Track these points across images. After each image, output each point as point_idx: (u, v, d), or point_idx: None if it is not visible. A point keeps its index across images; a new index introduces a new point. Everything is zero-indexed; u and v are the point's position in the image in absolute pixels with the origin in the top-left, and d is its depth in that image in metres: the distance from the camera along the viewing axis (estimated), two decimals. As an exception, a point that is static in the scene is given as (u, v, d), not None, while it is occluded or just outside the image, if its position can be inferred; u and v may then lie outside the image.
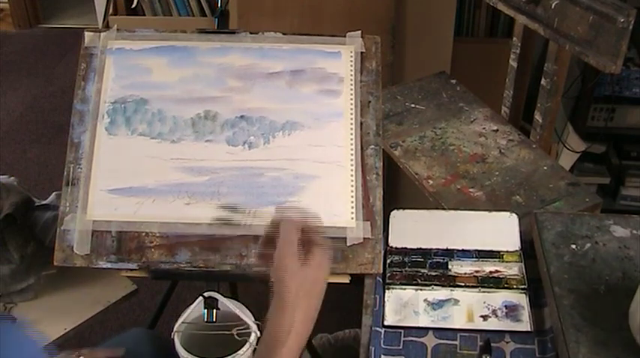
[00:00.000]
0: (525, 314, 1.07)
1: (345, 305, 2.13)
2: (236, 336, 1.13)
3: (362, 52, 1.24)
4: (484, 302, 1.09)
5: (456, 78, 1.87)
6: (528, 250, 1.17)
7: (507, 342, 1.04)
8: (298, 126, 1.18)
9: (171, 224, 1.11)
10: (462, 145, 1.60)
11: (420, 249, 1.17)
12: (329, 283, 0.98)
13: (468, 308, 1.09)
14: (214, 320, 1.17)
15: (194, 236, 1.11)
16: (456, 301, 1.10)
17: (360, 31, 1.25)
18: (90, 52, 1.22)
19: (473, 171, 1.52)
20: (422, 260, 1.16)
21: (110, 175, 1.15)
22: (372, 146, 1.17)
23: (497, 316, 1.07)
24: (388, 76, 2.06)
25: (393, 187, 2.06)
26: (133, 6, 2.45)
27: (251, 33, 1.26)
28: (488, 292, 1.11)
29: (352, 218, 1.12)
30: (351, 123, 1.19)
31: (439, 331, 1.06)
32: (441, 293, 1.11)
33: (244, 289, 1.71)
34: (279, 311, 0.83)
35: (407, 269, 1.14)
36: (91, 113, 1.18)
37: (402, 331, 1.06)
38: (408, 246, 1.18)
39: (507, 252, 1.17)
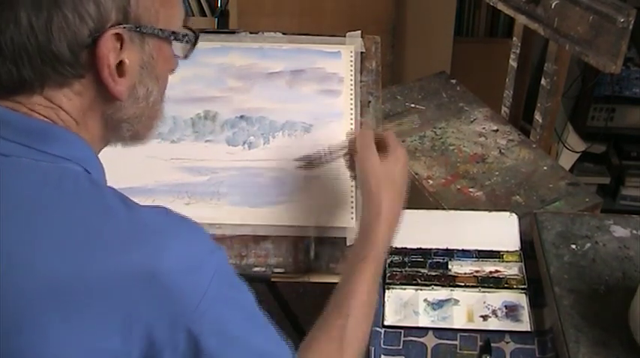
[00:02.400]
0: (525, 314, 1.07)
1: (345, 305, 2.13)
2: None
3: (362, 52, 1.24)
4: (484, 302, 1.09)
5: (456, 78, 1.88)
6: (528, 250, 1.17)
7: (507, 342, 1.04)
8: (298, 126, 1.18)
9: (171, 224, 1.11)
10: (462, 145, 1.60)
11: (420, 249, 1.17)
12: (329, 283, 0.99)
13: (467, 308, 1.09)
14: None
15: (194, 236, 1.11)
16: (456, 301, 1.10)
17: (360, 31, 1.26)
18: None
19: (473, 171, 1.53)
20: (422, 260, 1.16)
21: (110, 175, 1.14)
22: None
23: (497, 316, 1.07)
24: (388, 76, 2.07)
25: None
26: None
27: (251, 33, 1.26)
28: (488, 292, 1.11)
29: (352, 218, 1.12)
30: (351, 123, 1.19)
31: (439, 331, 1.05)
32: (441, 293, 1.11)
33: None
34: (366, 200, 0.95)
35: (407, 269, 1.14)
36: (91, 113, 1.18)
37: (402, 331, 1.06)
38: (408, 246, 1.18)
39: (507, 252, 1.16)
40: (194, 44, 0.76)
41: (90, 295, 0.59)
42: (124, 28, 0.67)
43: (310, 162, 1.13)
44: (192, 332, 0.63)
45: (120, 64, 0.68)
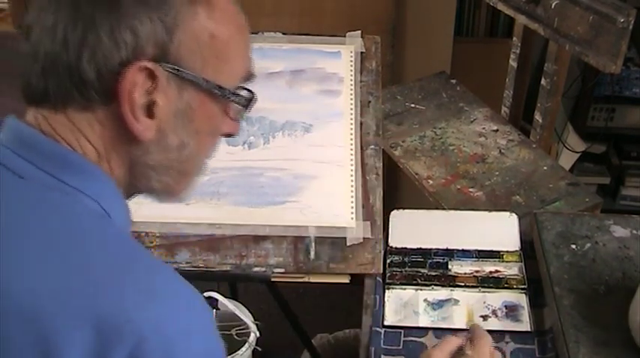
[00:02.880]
0: (525, 314, 1.07)
1: (345, 305, 2.13)
2: (235, 336, 1.14)
3: (362, 52, 1.24)
4: (484, 302, 1.09)
5: (456, 78, 1.88)
6: (528, 250, 1.17)
7: (507, 342, 1.04)
8: (298, 126, 1.18)
9: (171, 224, 1.11)
10: (462, 145, 1.60)
11: (420, 249, 1.17)
12: (329, 283, 0.98)
13: (468, 308, 1.09)
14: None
15: (194, 236, 1.11)
16: (456, 301, 1.10)
17: (360, 31, 1.26)
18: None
19: (473, 171, 1.53)
20: (422, 260, 1.16)
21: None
22: (372, 146, 1.17)
23: (497, 316, 1.07)
24: (388, 76, 2.06)
25: (393, 187, 2.06)
26: (133, 6, 2.45)
27: (251, 33, 1.26)
28: (489, 292, 1.11)
29: (352, 218, 1.12)
30: (351, 123, 1.19)
31: (439, 331, 1.05)
32: (441, 293, 1.11)
33: (244, 289, 1.71)
34: None
35: (407, 269, 1.14)
36: (91, 113, 1.18)
37: (402, 331, 1.06)
38: (408, 246, 1.18)
39: (507, 252, 1.16)
40: (245, 107, 0.69)
41: (50, 325, 0.56)
42: (159, 65, 0.62)
43: None
44: None
45: (152, 105, 0.63)
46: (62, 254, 0.60)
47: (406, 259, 1.16)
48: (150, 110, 0.63)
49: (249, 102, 0.69)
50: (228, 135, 0.73)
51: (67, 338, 0.56)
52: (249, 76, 0.71)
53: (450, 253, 1.17)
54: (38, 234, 0.61)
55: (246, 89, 0.69)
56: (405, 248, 1.17)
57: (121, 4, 0.61)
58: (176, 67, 0.63)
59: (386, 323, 1.07)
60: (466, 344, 0.86)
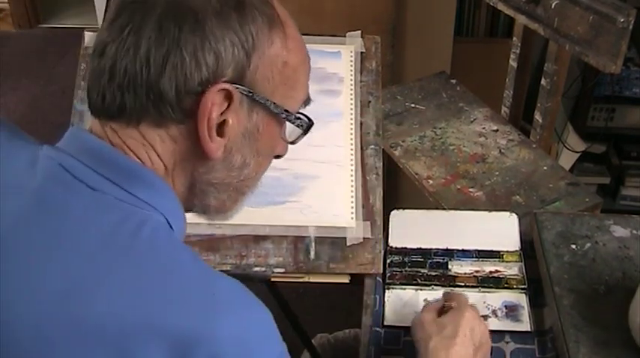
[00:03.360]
0: (525, 314, 1.07)
1: (345, 305, 2.13)
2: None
3: (362, 52, 1.24)
4: (484, 302, 1.09)
5: (456, 78, 1.88)
6: (528, 250, 1.17)
7: (507, 342, 1.04)
8: (298, 126, 1.18)
9: (171, 224, 1.11)
10: (462, 145, 1.61)
11: (420, 249, 1.17)
12: (329, 283, 0.98)
13: (468, 308, 1.09)
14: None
15: (194, 236, 1.11)
16: (456, 301, 1.10)
17: (360, 31, 1.26)
18: (90, 52, 1.22)
19: (473, 171, 1.53)
20: (422, 260, 1.16)
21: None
22: (372, 146, 1.17)
23: (497, 316, 1.07)
24: (388, 76, 2.06)
25: (393, 187, 2.07)
26: (133, 6, 2.45)
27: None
28: (488, 292, 1.11)
29: (352, 218, 1.12)
30: (351, 123, 1.19)
31: (439, 331, 1.05)
32: (441, 293, 1.11)
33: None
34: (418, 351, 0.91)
35: (407, 269, 1.14)
36: (91, 113, 1.18)
37: (402, 331, 1.06)
38: (408, 246, 1.18)
39: (507, 252, 1.17)
40: (306, 132, 0.73)
41: (129, 343, 0.57)
42: (237, 88, 0.65)
43: None
44: None
45: (222, 124, 0.66)
46: (139, 272, 0.60)
47: (406, 259, 1.16)
48: (221, 129, 0.66)
49: (309, 126, 0.72)
50: (278, 157, 0.77)
51: (147, 354, 0.57)
52: (308, 101, 0.74)
53: (450, 253, 1.17)
54: (114, 249, 0.61)
55: (305, 115, 0.72)
56: (405, 248, 1.17)
57: (206, 26, 0.63)
58: (250, 91, 0.66)
59: (386, 323, 1.07)
60: (448, 301, 0.96)
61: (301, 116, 0.72)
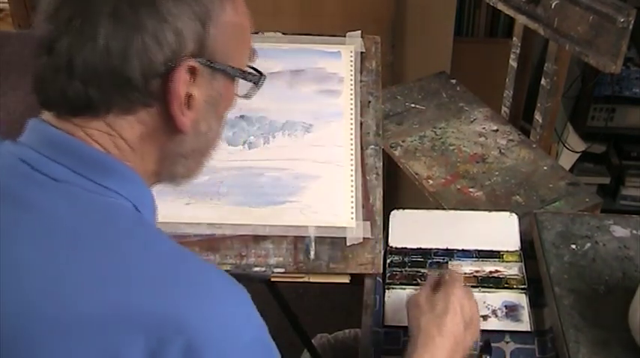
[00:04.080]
0: (525, 314, 1.07)
1: (345, 305, 2.13)
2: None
3: (362, 52, 1.24)
4: (484, 302, 1.09)
5: (456, 78, 1.88)
6: (528, 250, 1.17)
7: (507, 342, 1.04)
8: (298, 126, 1.18)
9: (171, 224, 1.11)
10: (462, 145, 1.61)
11: (420, 249, 1.17)
12: (329, 283, 0.98)
13: (467, 308, 1.09)
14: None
15: (194, 236, 1.11)
16: (456, 301, 1.10)
17: (360, 31, 1.26)
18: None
19: (473, 171, 1.53)
20: (422, 260, 1.16)
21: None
22: (372, 146, 1.17)
23: (497, 316, 1.07)
24: (388, 76, 2.06)
25: (393, 187, 2.07)
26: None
27: (251, 33, 1.26)
28: (488, 292, 1.11)
29: (352, 218, 1.12)
30: (351, 123, 1.19)
31: (439, 331, 1.05)
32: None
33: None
34: (410, 333, 0.93)
35: (407, 269, 1.14)
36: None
37: (402, 331, 1.06)
38: (408, 246, 1.18)
39: (507, 252, 1.17)
40: (257, 84, 0.74)
41: (107, 332, 0.57)
42: (199, 61, 0.65)
43: None
44: None
45: (188, 97, 0.66)
46: (110, 260, 0.60)
47: (406, 259, 1.16)
48: (188, 103, 0.66)
49: (260, 79, 0.74)
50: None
51: (129, 343, 0.57)
52: (253, 54, 0.76)
53: (450, 253, 1.17)
54: (82, 239, 0.61)
55: (255, 69, 0.74)
56: (405, 248, 1.17)
57: (161, 6, 0.63)
58: (211, 61, 0.67)
59: (386, 323, 1.07)
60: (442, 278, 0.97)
61: (253, 71, 0.74)
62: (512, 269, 1.14)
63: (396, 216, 1.21)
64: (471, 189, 1.47)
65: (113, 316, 0.57)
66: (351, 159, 1.16)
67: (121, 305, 0.58)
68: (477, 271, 1.14)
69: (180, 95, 0.65)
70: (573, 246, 1.13)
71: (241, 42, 0.72)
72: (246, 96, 0.75)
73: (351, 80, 1.22)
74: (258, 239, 1.10)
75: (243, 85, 0.74)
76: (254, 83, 0.74)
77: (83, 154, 0.64)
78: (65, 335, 0.57)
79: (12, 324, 0.57)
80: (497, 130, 1.66)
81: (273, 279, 1.13)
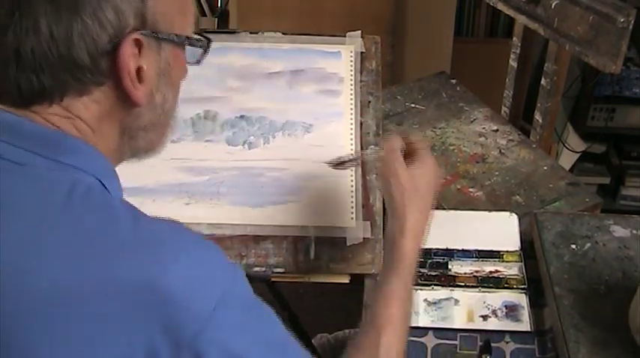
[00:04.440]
0: (525, 314, 1.07)
1: (345, 305, 2.13)
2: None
3: (362, 52, 1.24)
4: (484, 302, 1.09)
5: (456, 78, 1.88)
6: (528, 250, 1.17)
7: (507, 342, 1.04)
8: (298, 126, 1.18)
9: (171, 224, 1.11)
10: (462, 145, 1.60)
11: (420, 248, 1.17)
12: (329, 283, 0.99)
13: (467, 308, 1.09)
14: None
15: (194, 236, 1.11)
16: (456, 301, 1.10)
17: (360, 31, 1.26)
18: None
19: (473, 171, 1.53)
20: (422, 260, 1.16)
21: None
22: (372, 146, 1.17)
23: (497, 316, 1.07)
24: (388, 76, 2.07)
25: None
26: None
27: (251, 33, 1.26)
28: (488, 292, 1.11)
29: (352, 218, 1.12)
30: (351, 123, 1.19)
31: (439, 331, 1.06)
32: (440, 293, 1.11)
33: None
34: (391, 213, 0.93)
35: (407, 269, 1.14)
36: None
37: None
38: (408, 246, 1.17)
39: (507, 252, 1.17)
40: (206, 50, 0.76)
41: (88, 305, 0.58)
42: (143, 33, 0.67)
43: (341, 163, 1.11)
44: (197, 354, 0.60)
45: (138, 71, 0.68)
46: (79, 233, 0.62)
47: (406, 259, 1.16)
48: (139, 76, 0.68)
49: (209, 44, 0.75)
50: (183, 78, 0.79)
51: (117, 310, 0.59)
52: (196, 21, 0.78)
53: (450, 253, 1.17)
54: (50, 216, 0.62)
55: (202, 35, 0.75)
56: (405, 248, 1.17)
57: None
58: (154, 32, 0.68)
59: (386, 323, 1.07)
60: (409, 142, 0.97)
61: (200, 37, 0.75)
62: (512, 270, 1.14)
63: (396, 216, 1.21)
64: (471, 189, 1.47)
65: (86, 288, 0.59)
66: (351, 159, 1.16)
67: (92, 275, 0.59)
68: (476, 271, 1.14)
69: (130, 69, 0.66)
70: (573, 246, 1.13)
71: (182, 9, 0.73)
72: (198, 62, 0.76)
73: (351, 80, 1.22)
74: (258, 239, 1.10)
75: (192, 52, 0.75)
76: (202, 48, 0.75)
77: (43, 136, 0.66)
78: (42, 312, 0.58)
79: None
80: (497, 130, 1.65)
81: (273, 279, 1.13)
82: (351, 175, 1.15)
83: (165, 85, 0.73)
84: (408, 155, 0.95)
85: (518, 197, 1.44)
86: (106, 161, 0.71)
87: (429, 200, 0.94)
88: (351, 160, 1.09)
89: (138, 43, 0.67)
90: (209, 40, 0.75)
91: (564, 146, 2.43)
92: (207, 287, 0.62)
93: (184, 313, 0.60)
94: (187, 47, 0.74)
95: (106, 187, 0.69)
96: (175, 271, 0.61)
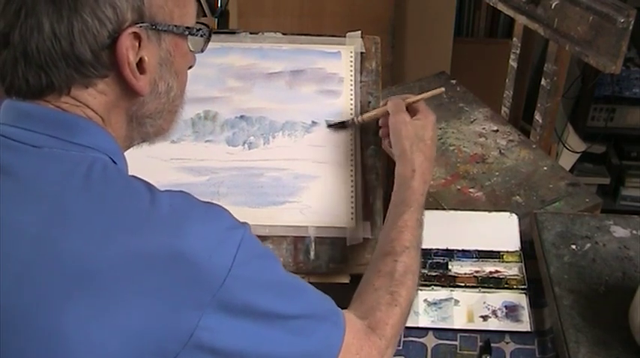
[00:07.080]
0: (525, 314, 1.07)
1: (345, 305, 2.13)
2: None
3: (362, 53, 1.24)
4: (484, 303, 1.09)
5: (456, 78, 1.87)
6: (528, 250, 1.17)
7: (507, 342, 1.04)
8: (298, 127, 1.18)
9: (171, 224, 1.11)
10: (462, 145, 1.60)
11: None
12: (329, 283, 0.99)
13: (467, 309, 1.09)
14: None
15: (194, 236, 1.11)
16: (456, 301, 1.10)
17: (359, 31, 1.25)
18: None
19: (473, 171, 1.52)
20: (422, 260, 1.16)
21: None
22: (372, 146, 1.17)
23: (497, 316, 1.07)
24: (388, 76, 2.07)
25: (393, 187, 2.06)
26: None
27: (251, 33, 1.26)
28: (488, 292, 1.11)
29: (352, 218, 1.12)
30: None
31: (439, 331, 1.06)
32: (440, 293, 1.11)
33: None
34: (401, 159, 1.05)
35: (407, 269, 1.14)
36: (91, 113, 1.18)
37: (402, 331, 1.05)
38: (408, 246, 1.17)
39: (507, 252, 1.17)
40: (208, 38, 0.80)
41: (115, 277, 0.62)
42: (140, 26, 0.70)
43: (342, 125, 1.17)
44: (221, 308, 0.65)
45: (140, 62, 0.72)
46: (101, 207, 0.66)
47: (406, 259, 1.16)
48: (141, 67, 0.72)
49: (210, 33, 0.80)
50: (190, 67, 0.84)
51: (142, 282, 0.63)
52: (198, 12, 0.82)
53: (450, 253, 1.17)
54: (72, 192, 0.66)
55: (202, 24, 0.79)
56: (405, 248, 1.17)
57: None
58: (152, 24, 0.72)
59: (386, 323, 1.07)
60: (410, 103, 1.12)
61: (201, 26, 0.79)
62: (512, 270, 1.14)
63: (396, 216, 1.21)
64: (471, 190, 1.47)
65: (121, 260, 0.63)
66: (351, 159, 1.16)
67: (115, 246, 0.63)
68: (477, 271, 1.14)
69: (130, 61, 0.70)
70: (573, 246, 1.13)
71: (180, 2, 0.76)
72: (202, 50, 0.81)
73: (351, 80, 1.22)
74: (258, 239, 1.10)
75: (195, 41, 0.79)
76: (203, 37, 0.79)
77: (56, 119, 0.70)
78: (69, 286, 0.61)
79: (12, 291, 0.61)
80: (497, 131, 1.65)
81: (273, 279, 1.13)
82: (351, 175, 1.15)
83: (169, 74, 0.76)
84: (410, 112, 1.09)
85: (518, 197, 1.44)
86: (115, 142, 0.75)
87: (432, 147, 1.06)
88: (350, 122, 1.17)
89: (137, 36, 0.70)
90: (210, 29, 0.79)
91: (564, 146, 2.43)
92: (224, 245, 0.68)
93: (206, 274, 0.65)
94: (189, 37, 0.77)
95: (117, 164, 0.73)
96: (192, 238, 0.66)
